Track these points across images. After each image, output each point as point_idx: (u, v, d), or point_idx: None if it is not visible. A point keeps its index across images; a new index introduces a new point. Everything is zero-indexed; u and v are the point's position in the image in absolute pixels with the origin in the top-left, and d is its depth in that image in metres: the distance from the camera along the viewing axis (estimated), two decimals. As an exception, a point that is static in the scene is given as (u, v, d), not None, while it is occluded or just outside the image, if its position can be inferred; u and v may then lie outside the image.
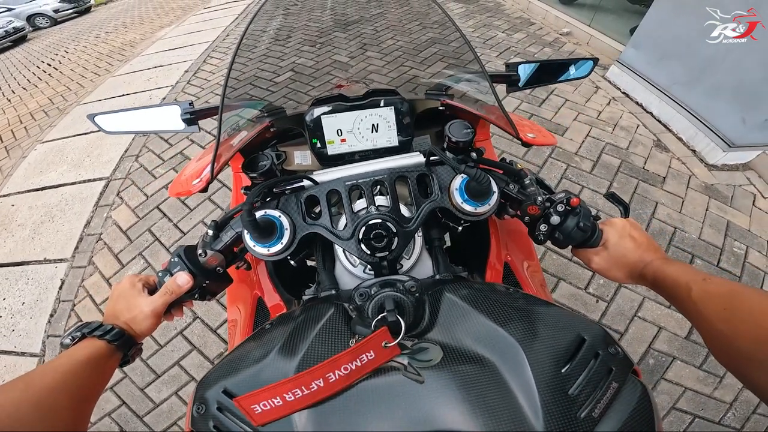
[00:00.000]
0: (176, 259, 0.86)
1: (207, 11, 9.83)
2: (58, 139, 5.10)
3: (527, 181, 0.92)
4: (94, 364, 0.68)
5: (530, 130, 1.20)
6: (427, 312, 0.70)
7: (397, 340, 0.62)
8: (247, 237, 0.84)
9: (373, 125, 1.11)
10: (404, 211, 0.91)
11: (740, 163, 3.62)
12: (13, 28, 13.87)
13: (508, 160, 0.99)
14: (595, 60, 1.33)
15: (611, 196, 0.96)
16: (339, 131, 1.11)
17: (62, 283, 3.25)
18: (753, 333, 0.53)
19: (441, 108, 1.17)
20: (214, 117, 0.95)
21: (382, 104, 1.10)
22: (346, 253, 0.96)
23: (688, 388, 2.32)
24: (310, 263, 1.19)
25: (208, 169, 0.92)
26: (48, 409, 0.57)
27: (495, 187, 0.89)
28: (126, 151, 4.46)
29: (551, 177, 3.50)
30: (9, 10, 16.03)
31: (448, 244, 1.33)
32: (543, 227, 0.89)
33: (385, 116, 1.10)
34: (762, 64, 3.12)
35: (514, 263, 1.15)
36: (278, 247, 0.84)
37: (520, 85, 1.30)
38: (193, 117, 1.21)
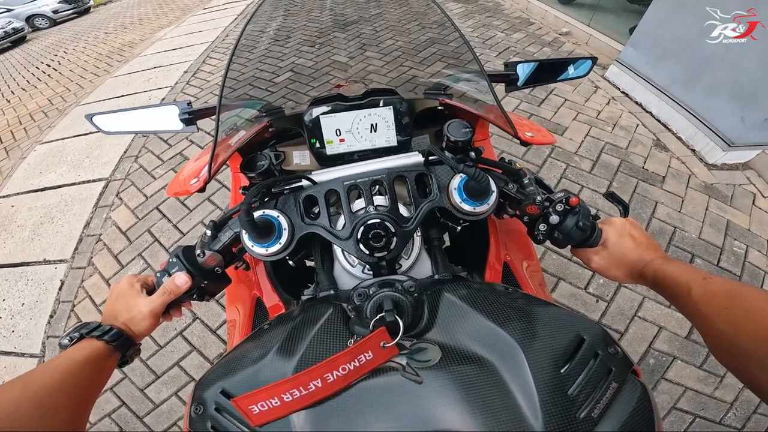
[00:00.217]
0: (174, 260, 0.86)
1: (206, 12, 9.83)
2: (57, 140, 5.10)
3: (526, 181, 0.92)
4: (93, 364, 0.68)
5: (529, 129, 1.20)
6: (426, 312, 0.70)
7: (395, 341, 0.62)
8: (245, 237, 0.84)
9: (371, 125, 1.11)
10: (403, 210, 0.91)
11: (740, 163, 3.62)
12: (13, 28, 13.85)
13: (507, 160, 0.99)
14: (594, 59, 1.33)
15: (610, 196, 0.96)
16: (338, 131, 1.10)
17: (62, 283, 3.25)
18: (754, 332, 0.53)
19: (440, 107, 1.17)
20: (213, 117, 0.95)
21: (380, 104, 1.09)
22: (345, 253, 0.96)
23: (689, 387, 2.32)
24: (309, 263, 1.19)
25: (206, 169, 0.91)
26: (47, 408, 0.57)
27: (494, 187, 0.89)
28: (125, 152, 4.46)
29: (551, 176, 3.50)
30: (8, 10, 16.03)
31: (448, 243, 1.33)
32: (542, 227, 0.89)
33: (383, 116, 1.10)
34: (762, 63, 3.12)
35: (514, 263, 1.15)
36: (276, 247, 0.83)
37: (519, 84, 1.31)
38: (191, 117, 1.21)
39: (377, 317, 0.65)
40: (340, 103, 1.10)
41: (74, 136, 5.06)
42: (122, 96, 5.89)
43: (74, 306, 3.07)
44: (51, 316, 3.04)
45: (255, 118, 1.21)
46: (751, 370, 0.53)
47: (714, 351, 0.60)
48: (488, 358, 0.58)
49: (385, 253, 0.84)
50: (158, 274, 0.86)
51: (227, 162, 1.12)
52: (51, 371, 0.62)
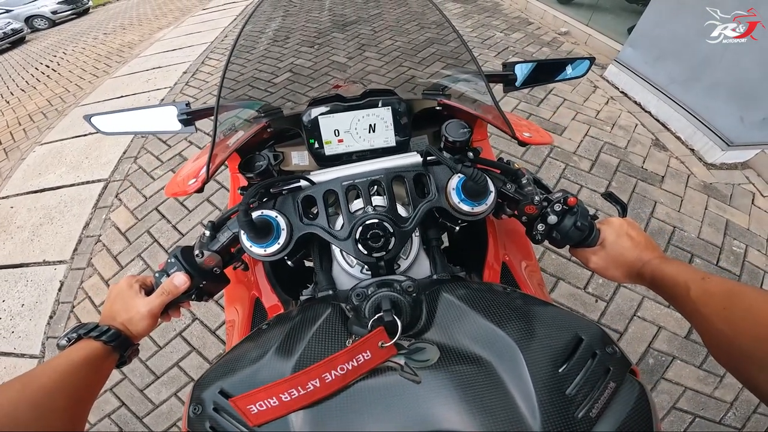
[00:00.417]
0: (173, 260, 0.86)
1: (205, 12, 9.83)
2: (56, 141, 5.10)
3: (524, 181, 0.92)
4: (91, 365, 0.68)
5: (527, 129, 1.20)
6: (424, 312, 0.70)
7: (393, 340, 0.62)
8: (243, 237, 0.84)
9: (370, 125, 1.11)
10: (401, 211, 0.91)
11: (739, 162, 3.62)
12: (12, 29, 13.83)
13: (505, 160, 0.99)
14: (592, 59, 1.33)
15: (609, 196, 0.96)
16: (336, 131, 1.10)
17: (61, 284, 3.25)
18: (752, 332, 0.53)
19: (438, 108, 1.17)
20: (212, 118, 0.95)
21: (379, 104, 1.09)
22: (344, 253, 0.96)
23: (689, 387, 2.32)
24: (307, 264, 1.18)
25: (205, 169, 0.91)
26: (45, 409, 0.57)
27: (492, 187, 0.89)
28: (124, 153, 4.46)
29: (550, 176, 3.50)
30: (7, 11, 16.00)
31: (446, 244, 1.33)
32: (540, 227, 0.89)
33: (382, 116, 1.10)
34: (761, 63, 3.12)
35: (512, 263, 1.15)
36: (275, 247, 0.83)
37: (517, 84, 1.31)
38: (189, 118, 1.21)
39: (375, 317, 0.65)
40: (339, 103, 1.10)
41: (73, 137, 5.05)
42: (121, 97, 5.89)
43: (74, 307, 3.07)
44: (50, 317, 3.04)
45: (253, 118, 1.21)
46: (750, 370, 0.53)
47: (713, 351, 0.60)
48: (486, 358, 0.58)
49: (384, 253, 0.84)
50: (157, 275, 0.86)
51: (226, 162, 1.12)
52: (49, 372, 0.62)
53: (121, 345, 0.75)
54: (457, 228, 1.05)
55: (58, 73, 8.85)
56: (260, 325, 0.78)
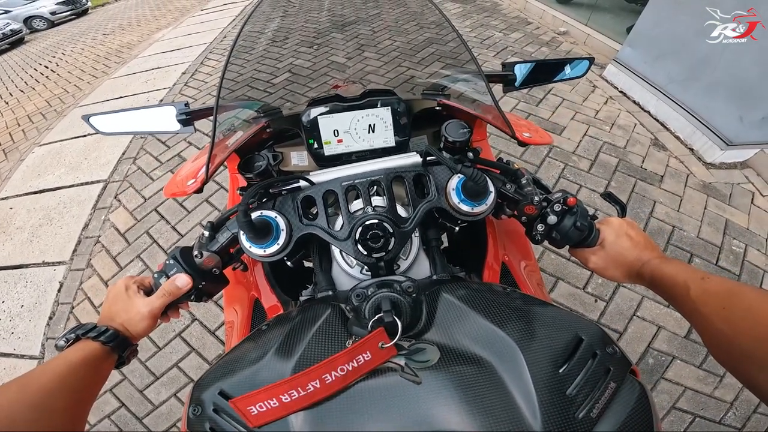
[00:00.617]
0: (172, 261, 0.86)
1: (204, 13, 9.83)
2: (55, 142, 5.09)
3: (524, 181, 0.91)
4: (90, 365, 0.68)
5: (526, 129, 1.20)
6: (425, 312, 0.70)
7: (393, 341, 0.62)
8: (243, 238, 0.84)
9: (369, 126, 1.11)
10: (401, 211, 0.91)
11: (738, 162, 3.62)
12: (10, 30, 13.83)
13: (505, 160, 0.99)
14: (591, 59, 1.33)
15: (608, 196, 0.96)
16: (336, 132, 1.10)
17: (61, 285, 3.25)
18: (752, 332, 0.53)
19: (438, 108, 1.17)
20: (211, 118, 0.95)
21: (378, 105, 1.09)
22: (343, 253, 0.96)
23: (688, 387, 2.32)
24: (307, 264, 1.18)
25: (204, 169, 0.91)
26: (44, 410, 0.57)
27: (492, 187, 0.88)
28: (124, 154, 4.46)
29: (549, 176, 3.50)
30: (6, 12, 16.00)
31: (446, 244, 1.33)
32: (540, 227, 0.89)
33: (381, 116, 1.10)
34: (761, 63, 3.12)
35: (512, 263, 1.15)
36: (274, 248, 0.83)
37: (516, 84, 1.30)
38: (188, 118, 1.21)
39: (375, 318, 0.65)
40: (338, 103, 1.10)
41: (72, 138, 5.05)
42: (120, 97, 5.89)
43: (73, 308, 3.07)
44: (50, 318, 3.04)
45: (253, 118, 1.20)
46: (750, 370, 0.53)
47: (712, 351, 0.60)
48: (487, 359, 0.58)
49: (384, 253, 0.84)
50: (155, 276, 0.86)
51: (225, 163, 1.12)
52: (48, 373, 0.62)
53: (119, 346, 0.75)
54: (457, 228, 1.05)
55: (57, 74, 8.85)
56: (260, 325, 0.78)
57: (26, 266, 3.48)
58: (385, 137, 1.12)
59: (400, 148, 1.13)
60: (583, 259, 0.90)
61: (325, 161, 1.13)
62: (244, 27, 1.22)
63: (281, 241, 0.84)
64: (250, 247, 0.84)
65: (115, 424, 2.46)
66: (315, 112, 1.08)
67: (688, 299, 0.64)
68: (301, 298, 1.00)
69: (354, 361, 0.58)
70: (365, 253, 0.84)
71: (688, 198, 3.34)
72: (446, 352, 0.61)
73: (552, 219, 0.86)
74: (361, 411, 0.56)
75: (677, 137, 3.93)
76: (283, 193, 0.93)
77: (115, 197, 3.92)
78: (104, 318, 0.80)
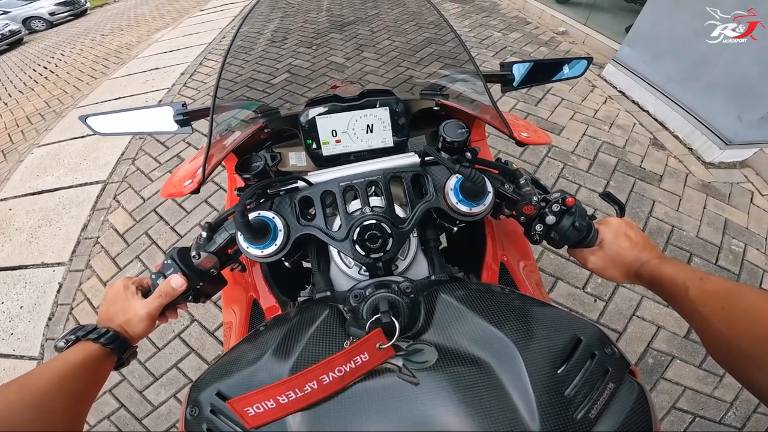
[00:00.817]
0: (170, 261, 0.85)
1: (203, 13, 9.83)
2: (54, 143, 5.09)
3: (522, 181, 0.91)
4: (89, 366, 0.68)
5: (525, 129, 1.20)
6: (423, 313, 0.70)
7: (391, 342, 0.61)
8: (240, 238, 0.84)
9: (368, 126, 1.11)
10: (399, 211, 0.90)
11: (737, 161, 3.62)
12: (9, 31, 13.82)
13: (503, 160, 0.98)
14: (590, 59, 1.33)
15: (606, 196, 0.96)
16: (334, 132, 1.10)
17: (60, 286, 3.25)
18: (751, 332, 0.52)
19: (436, 108, 1.17)
20: (208, 118, 0.95)
21: (377, 105, 1.09)
22: (341, 254, 0.96)
23: (688, 387, 2.31)
24: (305, 265, 1.18)
25: (201, 170, 0.91)
26: (43, 410, 0.57)
27: (490, 187, 0.88)
28: (122, 155, 4.45)
29: (548, 176, 3.50)
30: (5, 13, 15.99)
31: (445, 244, 1.32)
32: (538, 227, 0.89)
33: (380, 117, 1.10)
34: (761, 63, 3.12)
35: (511, 263, 1.15)
36: (272, 248, 0.83)
37: (514, 84, 1.30)
38: (186, 118, 1.20)
39: (373, 318, 0.65)
40: (337, 104, 1.10)
41: (71, 139, 5.05)
42: (119, 98, 5.90)
43: (72, 309, 3.07)
44: (49, 319, 3.04)
45: (250, 119, 1.20)
46: (749, 371, 0.53)
47: (711, 351, 0.60)
48: (485, 359, 0.58)
49: (381, 254, 0.84)
50: (153, 276, 0.86)
51: (223, 163, 1.11)
52: (47, 374, 0.62)
53: (119, 347, 0.75)
54: (455, 228, 1.05)
55: (56, 75, 8.85)
56: (257, 326, 0.78)
57: (25, 267, 3.48)
58: (384, 137, 1.12)
59: (398, 149, 1.13)
60: (582, 260, 0.90)
61: (323, 162, 1.13)
62: (240, 28, 1.22)
63: (279, 241, 0.84)
64: (247, 247, 0.83)
65: (114, 424, 2.45)
66: (313, 112, 1.08)
67: (686, 299, 0.64)
68: (300, 299, 1.00)
69: (351, 362, 0.58)
70: (363, 253, 0.84)
71: (688, 197, 3.34)
72: (444, 352, 0.61)
73: (550, 219, 0.86)
74: (358, 412, 0.56)
75: (676, 137, 3.93)
76: (281, 193, 0.92)
77: (114, 198, 3.92)
78: (102, 319, 0.80)
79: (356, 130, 1.11)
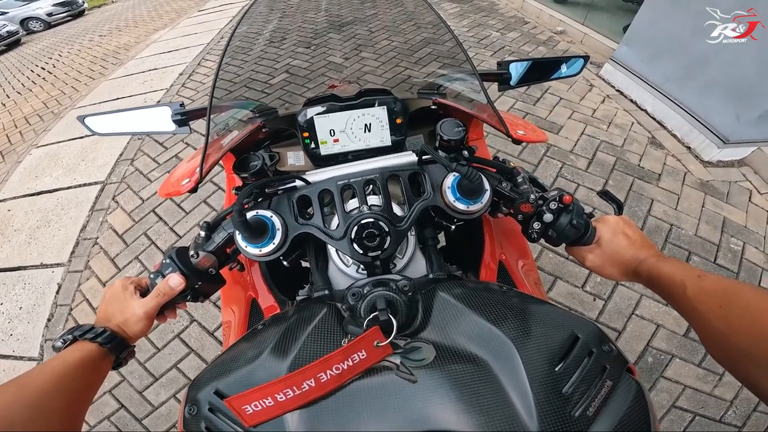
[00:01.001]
0: (168, 261, 0.86)
1: (201, 14, 9.81)
2: (53, 144, 5.08)
3: (520, 179, 0.91)
4: (87, 366, 0.68)
5: (521, 128, 1.20)
6: (420, 311, 0.70)
7: (388, 340, 0.62)
8: (238, 238, 0.84)
9: (365, 125, 1.11)
10: (397, 210, 0.91)
11: (735, 160, 3.63)
12: (7, 32, 13.82)
13: (501, 159, 0.99)
14: (586, 58, 1.33)
15: (604, 194, 0.96)
16: (332, 131, 1.10)
17: (59, 287, 3.24)
18: (749, 330, 0.52)
19: (433, 107, 1.17)
20: (206, 118, 0.95)
21: (375, 104, 1.09)
22: (339, 253, 0.96)
23: (688, 386, 2.31)
24: (304, 264, 1.18)
25: (198, 169, 0.91)
26: (41, 410, 0.57)
27: (487, 186, 0.88)
28: (121, 155, 4.45)
29: (547, 175, 3.51)
30: (2, 13, 15.98)
31: (443, 243, 1.33)
32: (536, 225, 0.89)
33: (377, 116, 1.10)
34: (761, 63, 3.12)
35: (509, 262, 1.15)
36: (270, 247, 0.83)
37: (512, 83, 1.31)
38: (184, 118, 1.20)
39: (371, 316, 0.65)
40: (334, 103, 1.10)
41: (70, 140, 5.04)
42: (117, 99, 5.89)
43: (72, 309, 3.06)
44: (49, 320, 3.03)
45: (248, 118, 1.20)
46: (748, 369, 0.53)
47: (710, 349, 0.60)
48: (483, 357, 0.58)
49: (379, 252, 0.84)
50: (152, 276, 0.86)
51: (221, 163, 1.11)
52: (46, 373, 0.62)
53: (116, 347, 0.75)
54: (453, 227, 1.05)
55: (54, 76, 8.85)
56: (255, 325, 0.78)
57: (24, 268, 3.47)
58: (382, 137, 1.13)
59: (396, 148, 1.13)
60: (580, 258, 0.90)
61: (321, 161, 1.14)
62: (237, 28, 1.22)
63: (277, 240, 0.84)
64: (246, 246, 0.83)
65: (114, 425, 2.45)
66: (311, 111, 1.09)
67: (684, 298, 0.64)
68: (298, 298, 1.00)
69: (349, 359, 0.58)
70: (361, 252, 0.84)
71: (686, 196, 3.34)
72: (442, 350, 0.61)
73: (548, 217, 0.86)
74: (356, 410, 0.56)
75: (674, 135, 3.93)
76: (279, 192, 0.93)
77: (113, 199, 3.91)
78: (101, 319, 0.80)
79: (354, 130, 1.11)
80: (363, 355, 0.59)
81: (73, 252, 3.50)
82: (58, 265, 3.42)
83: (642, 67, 4.31)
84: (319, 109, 1.09)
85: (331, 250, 0.97)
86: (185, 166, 1.28)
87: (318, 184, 0.92)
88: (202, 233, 0.89)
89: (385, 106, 1.10)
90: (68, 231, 3.69)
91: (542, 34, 6.11)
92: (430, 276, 0.90)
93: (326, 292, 0.89)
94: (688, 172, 3.56)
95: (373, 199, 0.92)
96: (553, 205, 0.86)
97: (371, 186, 0.93)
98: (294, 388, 0.55)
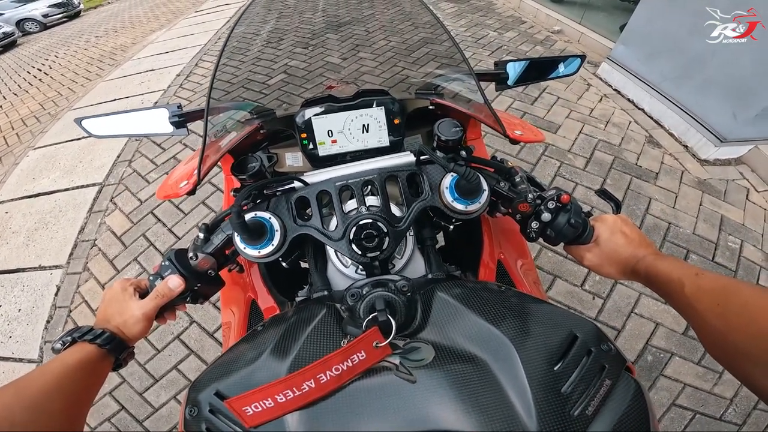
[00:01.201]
0: (167, 263, 0.85)
1: (198, 15, 9.80)
2: (50, 145, 5.07)
3: (518, 179, 0.92)
4: (86, 368, 0.68)
5: (518, 127, 1.20)
6: (419, 311, 0.70)
7: (388, 340, 0.62)
8: (237, 239, 0.84)
9: (363, 126, 1.11)
10: (395, 210, 0.91)
11: (732, 158, 3.64)
12: (3, 33, 13.75)
13: (499, 159, 0.99)
14: (583, 57, 1.34)
15: (602, 193, 0.97)
16: (330, 132, 1.10)
17: (58, 289, 3.23)
18: (747, 328, 0.53)
19: (431, 107, 1.17)
20: (203, 119, 0.95)
21: (372, 105, 1.09)
22: (338, 253, 0.96)
23: (688, 384, 2.32)
24: (303, 265, 1.18)
25: (196, 171, 0.91)
26: (41, 411, 0.57)
27: (485, 185, 0.89)
28: (119, 157, 4.44)
29: (545, 174, 3.51)
30: (-2, 15, 15.98)
31: (442, 243, 1.33)
32: (534, 224, 0.89)
33: (375, 116, 1.10)
34: (761, 63, 3.13)
35: (508, 261, 1.15)
36: (269, 248, 0.83)
37: (509, 83, 1.31)
38: (181, 120, 1.20)
39: (370, 317, 0.65)
40: (332, 104, 1.10)
41: (67, 141, 5.03)
42: (115, 100, 5.87)
43: (71, 311, 3.06)
44: (48, 322, 3.03)
45: (246, 120, 1.20)
46: (746, 367, 0.53)
47: (708, 347, 0.60)
48: (481, 357, 0.58)
49: (378, 253, 0.84)
50: (151, 278, 0.86)
51: (219, 164, 1.11)
52: (45, 375, 0.62)
53: (116, 348, 0.75)
54: (452, 227, 1.05)
55: (51, 77, 8.81)
56: (255, 326, 0.78)
57: (23, 270, 3.46)
58: (380, 137, 1.13)
59: (394, 148, 1.13)
60: (578, 257, 0.90)
61: (319, 162, 1.13)
62: (234, 28, 1.22)
63: (276, 241, 0.84)
64: (244, 248, 0.84)
65: (115, 426, 2.45)
66: (309, 112, 1.09)
67: (682, 296, 0.64)
68: (297, 299, 1.00)
69: (348, 360, 0.58)
70: (359, 252, 0.84)
71: (684, 195, 3.35)
72: (441, 350, 0.61)
73: (546, 216, 0.86)
74: (356, 410, 0.56)
75: (672, 134, 3.95)
76: (277, 194, 0.93)
77: (111, 200, 3.90)
78: (100, 320, 0.80)
79: (352, 130, 1.11)
80: (362, 356, 0.59)
81: (71, 254, 3.49)
82: (56, 267, 3.41)
83: (639, 66, 4.32)
84: (317, 109, 1.09)
85: (330, 251, 0.97)
86: (183, 168, 1.28)
87: (316, 185, 0.92)
88: (201, 235, 0.88)
89: (382, 107, 1.10)
90: (66, 233, 3.68)
91: (539, 33, 6.12)
92: (429, 276, 0.90)
93: (325, 292, 0.89)
94: (686, 170, 3.57)
95: (372, 200, 0.92)
96: (551, 205, 0.86)
97: (369, 187, 0.93)
98: (294, 389, 0.56)
